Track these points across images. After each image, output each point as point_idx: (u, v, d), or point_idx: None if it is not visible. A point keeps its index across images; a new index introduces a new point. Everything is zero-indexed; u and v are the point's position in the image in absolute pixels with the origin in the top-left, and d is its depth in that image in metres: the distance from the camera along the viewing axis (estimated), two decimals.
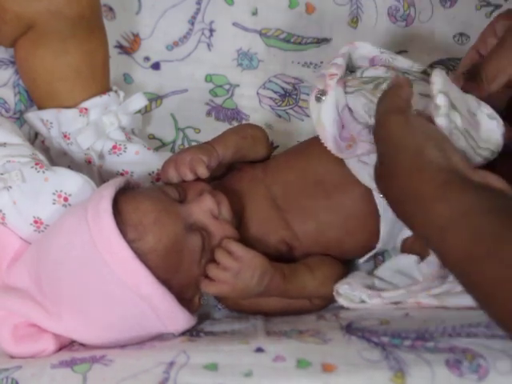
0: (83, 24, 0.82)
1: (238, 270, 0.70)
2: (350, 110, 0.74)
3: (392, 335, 0.65)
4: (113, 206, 0.69)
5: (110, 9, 0.95)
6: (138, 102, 0.87)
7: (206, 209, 0.71)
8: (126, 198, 0.70)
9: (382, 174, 0.66)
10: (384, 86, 0.71)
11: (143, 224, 0.69)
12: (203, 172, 0.73)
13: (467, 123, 0.68)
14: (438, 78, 0.66)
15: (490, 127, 0.70)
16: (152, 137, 0.94)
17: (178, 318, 0.70)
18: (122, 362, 0.65)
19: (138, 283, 0.67)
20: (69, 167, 0.80)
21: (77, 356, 0.67)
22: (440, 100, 0.66)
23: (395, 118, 0.65)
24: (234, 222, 0.74)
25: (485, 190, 0.61)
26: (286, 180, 0.76)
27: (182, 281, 0.70)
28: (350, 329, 0.68)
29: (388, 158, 0.65)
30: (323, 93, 0.72)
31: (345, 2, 0.99)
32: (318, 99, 0.72)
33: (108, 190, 0.70)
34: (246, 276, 0.70)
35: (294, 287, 0.74)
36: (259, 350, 0.65)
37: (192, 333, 0.72)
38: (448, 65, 1.01)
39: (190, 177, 0.74)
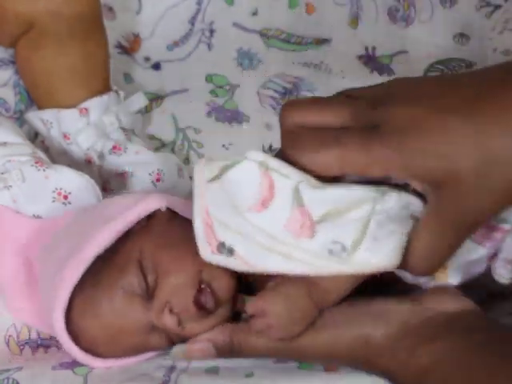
0: (83, 24, 0.82)
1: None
2: None
3: None
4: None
5: (110, 9, 0.95)
6: (139, 102, 0.87)
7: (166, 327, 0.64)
8: (80, 310, 0.65)
9: None
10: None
11: (96, 343, 0.65)
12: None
13: None
14: None
15: None
16: (152, 137, 0.94)
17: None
18: (122, 364, 0.65)
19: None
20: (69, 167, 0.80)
21: None
22: None
23: None
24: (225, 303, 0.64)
25: None
26: None
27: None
28: None
29: None
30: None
31: (345, 1, 0.99)
32: None
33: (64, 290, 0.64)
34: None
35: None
36: None
37: None
38: (448, 65, 1.01)
39: None
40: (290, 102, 0.58)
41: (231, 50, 0.97)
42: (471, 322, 0.58)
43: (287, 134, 0.56)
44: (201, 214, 0.56)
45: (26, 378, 0.64)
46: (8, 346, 0.71)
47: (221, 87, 0.97)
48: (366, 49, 1.01)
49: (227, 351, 0.62)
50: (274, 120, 0.95)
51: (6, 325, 0.71)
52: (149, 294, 0.63)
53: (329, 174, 0.54)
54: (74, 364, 0.65)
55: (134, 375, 0.63)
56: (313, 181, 0.54)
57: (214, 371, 0.62)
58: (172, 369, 0.62)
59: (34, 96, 0.86)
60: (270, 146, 0.92)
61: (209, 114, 0.95)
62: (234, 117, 0.95)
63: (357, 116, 0.54)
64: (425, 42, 1.01)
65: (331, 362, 0.62)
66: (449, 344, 0.56)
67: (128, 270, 0.63)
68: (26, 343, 0.71)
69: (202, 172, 0.57)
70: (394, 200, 0.54)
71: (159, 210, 0.67)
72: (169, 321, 0.62)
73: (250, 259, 0.56)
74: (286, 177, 0.54)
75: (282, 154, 0.56)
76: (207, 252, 0.57)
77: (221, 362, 0.63)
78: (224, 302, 0.63)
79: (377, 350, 0.58)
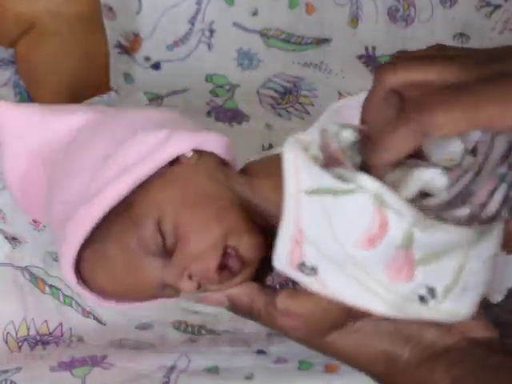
0: (83, 23, 0.82)
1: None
2: None
3: None
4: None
5: (110, 9, 0.94)
6: (138, 102, 0.88)
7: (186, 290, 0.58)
8: (89, 264, 0.60)
9: None
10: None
11: (107, 293, 0.61)
12: None
13: None
14: None
15: None
16: None
17: None
18: (121, 365, 0.65)
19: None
20: None
21: (77, 357, 0.67)
22: None
23: None
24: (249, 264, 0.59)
25: None
26: None
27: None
28: None
29: None
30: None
31: (345, 1, 0.99)
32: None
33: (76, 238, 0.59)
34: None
35: None
36: (260, 352, 0.65)
37: (194, 330, 0.72)
38: None
39: None
40: (388, 62, 0.52)
41: (231, 50, 0.97)
42: (491, 348, 0.58)
43: (391, 95, 0.50)
44: (291, 230, 0.50)
45: (25, 379, 0.65)
46: (6, 343, 0.71)
47: (221, 87, 0.97)
48: (366, 49, 1.01)
49: (245, 313, 0.58)
50: (274, 120, 0.95)
51: (4, 322, 0.71)
52: (166, 254, 0.57)
53: (455, 132, 0.48)
54: (72, 365, 0.66)
55: (133, 376, 0.63)
56: (426, 221, 0.48)
57: (214, 371, 0.62)
58: (172, 369, 0.62)
59: (34, 96, 0.86)
60: (270, 145, 0.92)
61: (209, 113, 0.95)
62: (234, 116, 0.95)
63: (469, 70, 0.49)
64: (425, 42, 1.01)
65: (346, 364, 0.60)
66: (468, 368, 0.56)
67: (144, 228, 0.57)
68: (25, 340, 0.71)
69: (298, 179, 0.49)
70: (487, 244, 0.50)
71: (184, 155, 0.60)
72: (188, 286, 0.57)
73: (332, 286, 0.51)
74: (401, 215, 0.48)
75: (361, 122, 0.51)
76: (284, 265, 0.51)
77: (221, 362, 0.63)
78: (251, 263, 0.58)
79: (399, 368, 0.57)
